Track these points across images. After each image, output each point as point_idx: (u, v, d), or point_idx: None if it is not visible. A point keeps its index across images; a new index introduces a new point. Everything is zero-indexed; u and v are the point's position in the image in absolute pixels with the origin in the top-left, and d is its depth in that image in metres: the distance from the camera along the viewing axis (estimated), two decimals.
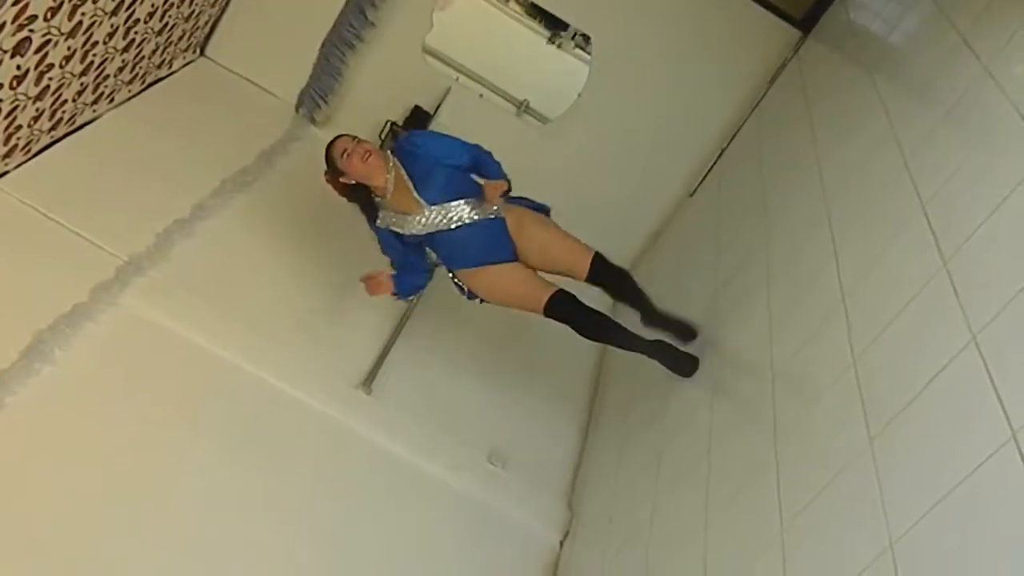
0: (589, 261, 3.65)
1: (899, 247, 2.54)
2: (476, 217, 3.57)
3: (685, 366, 3.52)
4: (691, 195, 5.22)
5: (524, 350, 4.54)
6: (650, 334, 3.65)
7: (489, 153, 3.69)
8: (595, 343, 4.08)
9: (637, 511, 3.32)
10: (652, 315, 3.70)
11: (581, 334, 3.61)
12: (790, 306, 3.08)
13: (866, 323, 2.47)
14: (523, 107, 5.63)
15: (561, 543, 3.74)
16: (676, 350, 3.56)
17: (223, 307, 3.79)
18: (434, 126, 5.16)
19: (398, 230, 3.62)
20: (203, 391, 3.50)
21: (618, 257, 5.40)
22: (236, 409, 3.52)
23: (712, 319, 3.68)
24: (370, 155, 3.52)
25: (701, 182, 5.17)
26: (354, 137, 3.60)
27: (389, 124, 5.22)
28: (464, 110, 5.28)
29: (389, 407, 3.84)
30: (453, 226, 3.56)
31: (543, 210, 3.82)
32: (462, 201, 3.57)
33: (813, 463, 2.38)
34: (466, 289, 3.70)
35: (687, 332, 3.65)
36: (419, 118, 5.22)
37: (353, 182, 3.58)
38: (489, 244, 3.60)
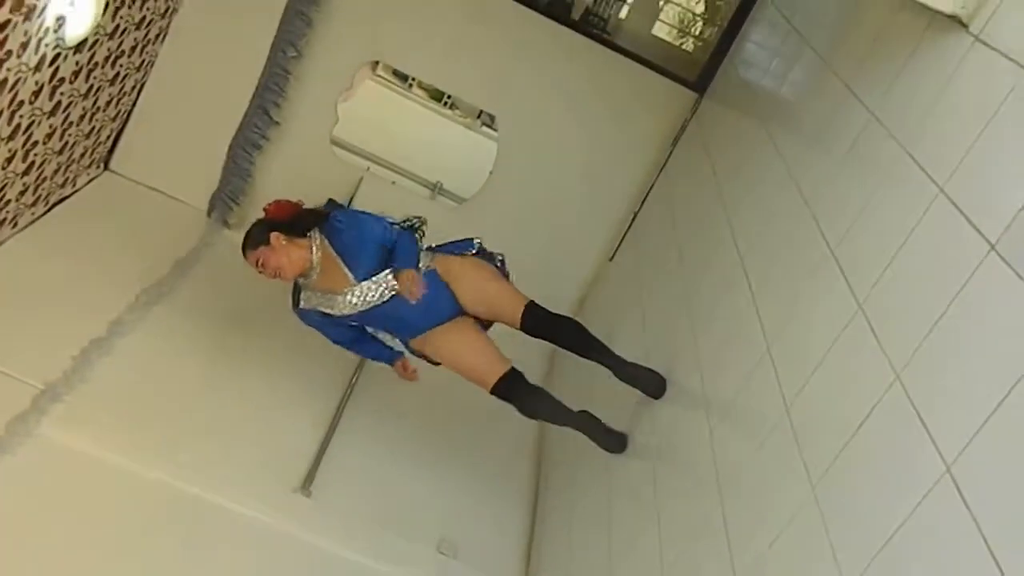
0: (522, 308, 3.54)
1: (814, 293, 2.60)
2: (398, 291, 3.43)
3: (613, 443, 3.49)
4: (611, 259, 5.29)
5: (463, 432, 4.49)
6: (585, 404, 3.62)
7: (410, 231, 3.57)
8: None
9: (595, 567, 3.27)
10: (618, 365, 3.55)
11: (522, 412, 3.56)
12: (719, 360, 3.12)
13: (793, 371, 2.51)
14: (437, 189, 5.69)
15: None
16: (605, 428, 3.53)
17: (148, 425, 3.68)
18: None
19: (327, 311, 3.47)
20: (135, 516, 3.37)
21: None
22: (173, 530, 3.39)
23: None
24: (280, 272, 3.39)
25: (619, 246, 5.25)
26: (257, 258, 3.40)
27: None
28: (378, 198, 5.28)
29: (331, 508, 3.75)
30: (386, 298, 3.42)
31: (468, 248, 3.68)
32: (388, 271, 3.42)
33: (760, 516, 2.38)
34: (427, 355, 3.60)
35: (657, 382, 3.46)
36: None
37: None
38: (428, 304, 3.43)
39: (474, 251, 3.66)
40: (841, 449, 2.10)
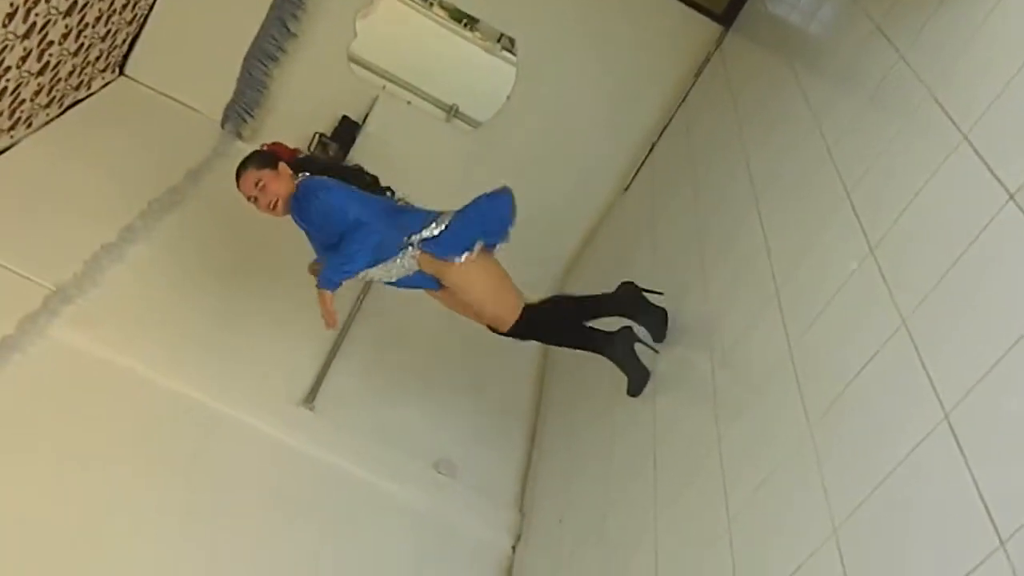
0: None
1: (827, 235, 2.58)
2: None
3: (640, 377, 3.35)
4: (625, 190, 5.26)
5: (467, 357, 4.52)
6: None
7: (360, 235, 3.17)
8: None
9: (588, 510, 3.33)
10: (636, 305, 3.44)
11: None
12: (727, 297, 3.12)
13: (800, 312, 2.51)
14: (452, 112, 5.63)
15: (513, 548, 3.74)
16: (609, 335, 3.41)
17: (157, 331, 3.72)
18: (363, 135, 5.11)
19: None
20: (141, 419, 3.42)
21: (555, 254, 5.47)
22: (177, 435, 3.45)
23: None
24: (275, 206, 3.28)
25: (634, 177, 5.21)
26: (258, 179, 3.27)
27: (317, 136, 5.17)
28: (393, 118, 5.24)
29: (333, 423, 3.80)
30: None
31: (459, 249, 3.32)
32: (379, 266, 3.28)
33: (755, 453, 2.41)
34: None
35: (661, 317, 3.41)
36: (347, 128, 5.17)
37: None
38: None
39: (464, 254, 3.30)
40: (842, 391, 2.12)
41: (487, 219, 3.36)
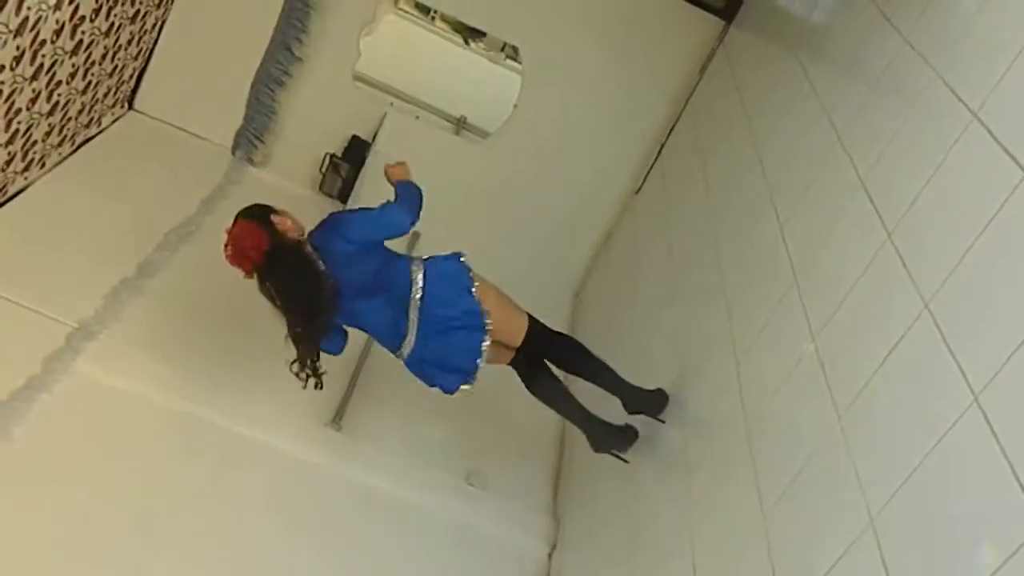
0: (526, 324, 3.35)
1: (843, 223, 2.57)
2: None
3: (628, 437, 3.35)
4: (637, 192, 5.25)
5: (493, 368, 4.51)
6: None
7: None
8: None
9: (621, 514, 3.31)
10: (622, 389, 3.38)
11: (533, 382, 3.43)
12: (746, 292, 3.10)
13: (821, 302, 2.49)
14: (461, 123, 5.63)
15: (550, 555, 3.72)
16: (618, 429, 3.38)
17: (181, 362, 3.73)
18: (373, 154, 5.13)
19: None
20: (171, 450, 3.44)
21: (571, 260, 5.47)
22: (207, 464, 3.46)
23: (670, 315, 3.69)
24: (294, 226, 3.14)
25: (645, 178, 5.20)
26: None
27: (328, 156, 5.20)
28: (402, 134, 5.26)
29: (361, 441, 3.80)
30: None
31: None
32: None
33: (786, 446, 2.39)
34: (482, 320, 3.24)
35: (660, 400, 3.31)
36: (357, 147, 5.20)
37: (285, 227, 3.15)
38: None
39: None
40: (868, 380, 2.10)
41: None
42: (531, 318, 3.37)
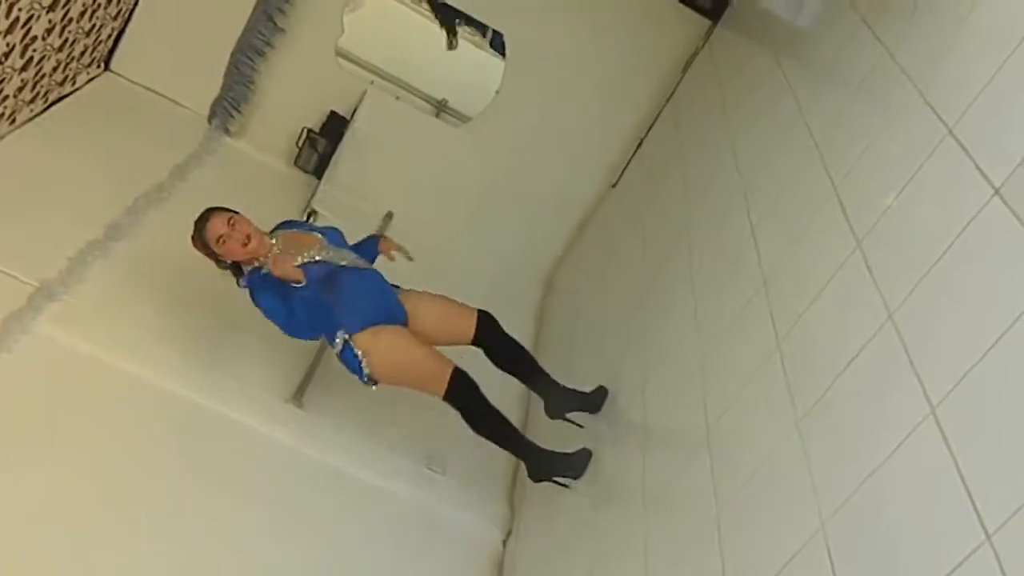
0: (475, 318, 3.54)
1: (814, 228, 2.58)
2: (361, 265, 3.46)
3: (580, 465, 3.35)
4: (614, 186, 5.25)
5: (455, 352, 4.50)
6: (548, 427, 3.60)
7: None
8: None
9: (577, 503, 3.33)
10: (554, 392, 3.55)
11: (471, 423, 3.39)
12: (714, 291, 3.12)
13: (787, 306, 2.51)
14: (441, 106, 5.60)
15: (504, 541, 3.73)
16: (566, 456, 3.39)
17: (143, 328, 3.70)
18: (351, 131, 5.10)
19: (298, 259, 3.30)
20: (129, 416, 3.40)
21: (545, 249, 5.47)
22: (164, 433, 3.43)
23: (639, 309, 3.70)
24: (250, 239, 3.26)
25: (623, 172, 5.21)
26: (229, 217, 3.29)
27: (306, 131, 5.15)
28: (381, 113, 5.23)
29: (322, 419, 3.78)
30: (343, 262, 3.39)
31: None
32: (351, 252, 3.49)
33: (743, 446, 2.41)
34: (364, 365, 3.32)
35: (596, 400, 3.49)
36: (335, 124, 5.15)
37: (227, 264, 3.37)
38: (383, 298, 3.43)
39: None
40: (828, 386, 2.12)
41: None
42: None
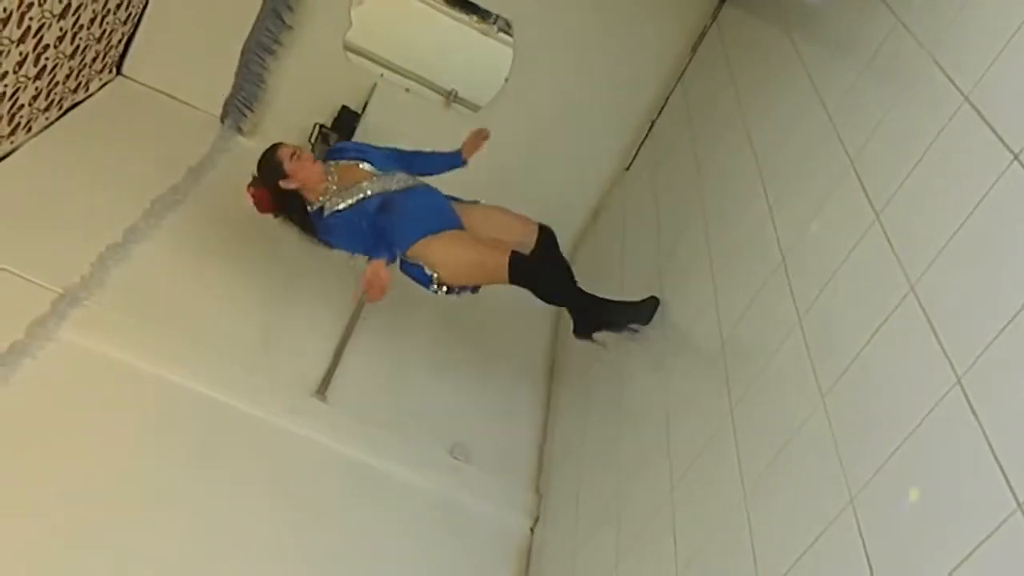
0: (537, 228, 3.72)
1: (832, 204, 2.57)
2: (412, 184, 3.67)
3: (647, 313, 3.51)
4: (627, 169, 5.24)
5: (476, 341, 4.53)
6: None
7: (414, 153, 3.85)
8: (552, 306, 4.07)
9: (603, 488, 3.34)
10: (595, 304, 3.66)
11: (542, 297, 3.64)
12: (732, 271, 3.11)
13: (807, 282, 2.50)
14: (452, 97, 5.60)
15: (532, 529, 3.75)
16: (631, 304, 3.57)
17: (166, 329, 3.73)
18: (363, 124, 5.10)
19: (350, 200, 3.55)
20: (156, 417, 3.44)
21: (559, 236, 5.45)
22: (192, 432, 3.46)
23: (658, 292, 3.70)
24: (315, 161, 3.60)
25: (635, 155, 5.19)
26: (292, 148, 3.61)
27: (318, 127, 5.16)
28: (392, 106, 5.23)
29: (346, 413, 3.81)
30: (397, 187, 3.60)
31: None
32: (402, 172, 3.68)
33: (769, 425, 2.41)
34: (429, 273, 3.50)
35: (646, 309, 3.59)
36: (347, 118, 5.16)
37: (291, 188, 3.55)
38: (436, 210, 3.61)
39: None
40: (852, 360, 2.11)
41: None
42: None
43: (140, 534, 3.05)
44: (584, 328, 3.69)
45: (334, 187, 3.58)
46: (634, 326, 3.54)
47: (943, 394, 1.74)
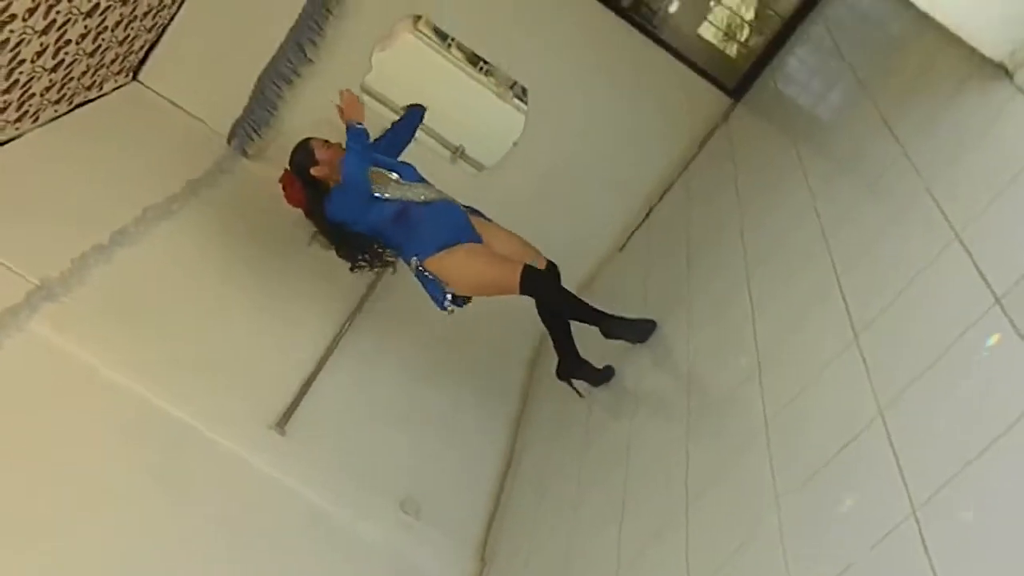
0: (544, 262, 3.88)
1: (814, 316, 2.59)
2: (438, 198, 3.85)
3: (646, 332, 3.67)
4: (621, 249, 5.28)
5: (448, 387, 4.50)
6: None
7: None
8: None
9: (556, 554, 3.29)
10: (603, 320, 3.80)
11: (550, 309, 3.87)
12: (710, 364, 3.12)
13: (781, 388, 2.51)
14: (458, 153, 5.66)
15: None
16: (633, 321, 3.72)
17: (138, 338, 3.69)
18: None
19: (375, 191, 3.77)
20: (110, 424, 3.38)
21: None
22: (143, 443, 3.39)
23: (637, 369, 3.70)
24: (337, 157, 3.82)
25: (630, 237, 5.24)
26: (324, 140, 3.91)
27: None
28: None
29: (302, 449, 3.75)
30: (419, 198, 3.79)
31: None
32: (429, 187, 3.89)
33: (722, 525, 2.39)
34: (444, 290, 3.69)
35: (607, 374, 3.82)
36: None
37: (321, 175, 3.82)
38: (457, 223, 3.77)
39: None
40: (813, 474, 2.11)
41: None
42: None
43: (79, 535, 2.98)
44: (567, 371, 3.89)
45: None
46: (609, 373, 3.77)
47: (898, 523, 1.74)
